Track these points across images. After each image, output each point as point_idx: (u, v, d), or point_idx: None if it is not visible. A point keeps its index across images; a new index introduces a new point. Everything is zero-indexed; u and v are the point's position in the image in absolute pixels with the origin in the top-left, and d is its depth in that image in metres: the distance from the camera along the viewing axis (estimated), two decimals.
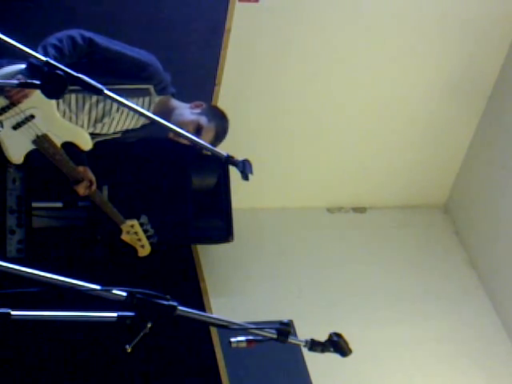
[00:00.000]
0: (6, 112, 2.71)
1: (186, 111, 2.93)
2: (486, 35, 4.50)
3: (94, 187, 3.09)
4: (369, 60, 4.43)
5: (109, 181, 3.83)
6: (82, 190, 3.04)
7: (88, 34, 2.71)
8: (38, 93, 2.60)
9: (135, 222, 3.25)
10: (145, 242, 3.30)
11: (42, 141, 2.82)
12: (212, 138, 2.92)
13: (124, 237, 3.27)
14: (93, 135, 2.92)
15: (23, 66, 2.62)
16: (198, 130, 2.88)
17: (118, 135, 2.99)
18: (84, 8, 3.74)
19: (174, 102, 2.98)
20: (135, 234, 3.27)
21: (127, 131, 2.99)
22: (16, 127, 2.76)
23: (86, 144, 2.90)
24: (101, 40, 2.74)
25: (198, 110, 2.93)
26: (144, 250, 3.31)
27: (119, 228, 3.26)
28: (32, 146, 2.85)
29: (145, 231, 3.28)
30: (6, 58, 2.73)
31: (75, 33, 2.69)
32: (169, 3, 3.84)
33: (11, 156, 2.85)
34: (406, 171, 5.06)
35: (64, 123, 2.82)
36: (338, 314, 4.22)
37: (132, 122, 2.95)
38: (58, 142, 2.86)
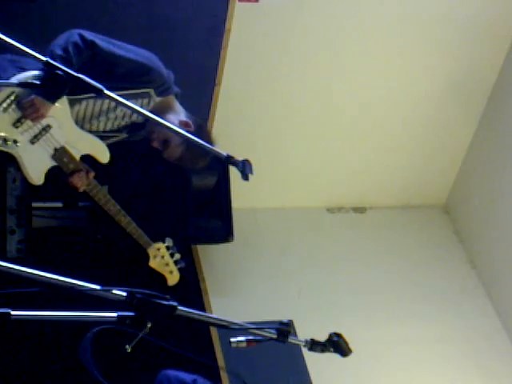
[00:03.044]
0: (21, 124, 2.65)
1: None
2: (486, 35, 4.50)
3: (91, 175, 2.88)
4: (369, 60, 4.43)
5: (108, 180, 3.82)
6: (78, 181, 2.83)
7: (90, 37, 2.64)
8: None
9: (161, 245, 3.09)
10: (173, 267, 3.14)
11: (61, 155, 2.77)
12: (175, 157, 2.88)
13: (152, 263, 3.11)
14: (103, 137, 2.87)
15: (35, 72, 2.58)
16: (165, 142, 2.84)
17: (125, 135, 2.94)
18: (84, 7, 3.74)
19: (174, 104, 2.91)
20: (162, 257, 3.11)
21: (134, 125, 2.91)
22: (33, 141, 2.71)
23: (105, 156, 2.85)
24: (102, 42, 2.67)
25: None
26: (173, 276, 3.15)
27: (146, 252, 3.10)
28: (52, 163, 2.78)
29: (171, 255, 3.13)
30: (8, 53, 2.68)
31: (77, 37, 2.62)
32: (169, 3, 3.84)
33: (32, 177, 2.78)
34: (406, 171, 5.06)
35: (80, 132, 2.78)
36: (338, 314, 4.21)
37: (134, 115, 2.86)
38: (77, 155, 2.80)
